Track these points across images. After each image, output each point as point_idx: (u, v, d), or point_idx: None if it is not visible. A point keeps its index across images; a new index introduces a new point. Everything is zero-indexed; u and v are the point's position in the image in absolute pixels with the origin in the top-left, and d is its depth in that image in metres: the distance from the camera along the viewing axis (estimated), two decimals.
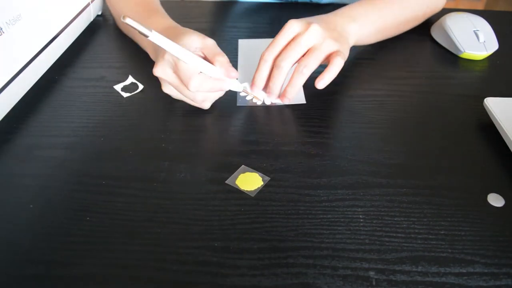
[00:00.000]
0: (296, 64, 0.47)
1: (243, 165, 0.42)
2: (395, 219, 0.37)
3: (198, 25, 0.67)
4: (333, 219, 0.37)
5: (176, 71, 0.44)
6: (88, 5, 0.64)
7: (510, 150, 0.43)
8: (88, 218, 0.36)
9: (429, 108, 0.50)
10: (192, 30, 0.47)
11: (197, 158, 0.43)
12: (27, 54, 0.50)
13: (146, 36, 0.40)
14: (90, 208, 0.37)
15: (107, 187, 0.39)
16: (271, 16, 0.72)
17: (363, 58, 0.58)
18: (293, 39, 0.47)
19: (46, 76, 0.55)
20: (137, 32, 0.39)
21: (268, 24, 0.69)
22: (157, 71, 0.45)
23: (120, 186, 0.39)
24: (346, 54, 0.50)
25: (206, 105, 0.48)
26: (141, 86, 0.53)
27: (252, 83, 0.49)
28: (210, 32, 0.50)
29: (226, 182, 0.40)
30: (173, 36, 0.44)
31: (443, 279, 0.32)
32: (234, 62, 0.58)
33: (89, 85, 0.54)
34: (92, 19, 0.67)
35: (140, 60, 0.58)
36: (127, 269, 0.33)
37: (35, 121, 0.48)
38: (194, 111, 0.49)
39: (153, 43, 0.41)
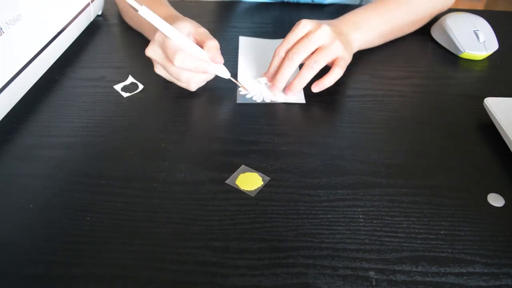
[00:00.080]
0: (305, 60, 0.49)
1: (243, 165, 0.42)
2: (395, 219, 0.37)
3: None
4: (333, 219, 0.37)
5: (163, 47, 0.46)
6: (88, 5, 0.64)
7: (510, 150, 0.43)
8: (88, 218, 0.36)
9: (429, 108, 0.50)
10: (189, 19, 0.50)
11: (197, 158, 0.43)
12: (27, 54, 0.50)
13: (136, 10, 0.44)
14: (90, 208, 0.37)
15: (107, 187, 0.39)
16: (272, 16, 0.72)
17: (363, 58, 0.58)
18: (304, 36, 0.49)
19: (46, 76, 0.55)
20: (140, 18, 0.44)
21: (269, 24, 0.69)
22: (148, 51, 0.48)
23: (120, 186, 0.39)
24: (349, 59, 0.51)
25: (192, 87, 0.50)
26: (141, 86, 0.53)
27: (267, 75, 0.52)
28: (211, 32, 0.50)
29: (226, 182, 0.40)
30: (170, 22, 0.46)
31: (443, 279, 0.32)
32: (234, 61, 0.58)
33: (89, 85, 0.54)
34: (92, 19, 0.67)
35: (140, 60, 0.58)
36: (127, 269, 0.33)
37: (35, 121, 0.48)
38: (194, 111, 0.49)
39: (154, 30, 0.43)
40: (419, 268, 0.33)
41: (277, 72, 0.49)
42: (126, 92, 0.52)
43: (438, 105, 0.51)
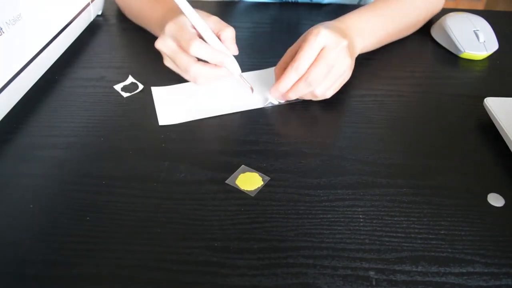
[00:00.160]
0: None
1: (243, 165, 0.42)
2: (395, 219, 0.37)
3: None
4: (333, 219, 0.37)
5: (177, 37, 0.46)
6: (88, 5, 0.64)
7: (510, 150, 0.43)
8: (88, 218, 0.36)
9: (429, 108, 0.50)
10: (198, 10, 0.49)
11: (197, 158, 0.43)
12: (27, 54, 0.50)
13: None
14: (90, 208, 0.37)
15: (107, 187, 0.39)
16: (271, 16, 0.72)
17: (363, 58, 0.58)
18: (322, 58, 0.45)
19: (46, 76, 0.55)
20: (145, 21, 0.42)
21: (268, 24, 0.69)
22: (158, 43, 0.48)
23: (120, 186, 0.39)
24: (352, 68, 0.50)
25: (199, 81, 0.48)
26: (141, 86, 0.53)
27: (277, 86, 0.47)
28: None
29: (226, 182, 0.40)
30: (175, 15, 0.47)
31: (443, 279, 0.32)
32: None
33: (89, 85, 0.54)
34: (92, 19, 0.67)
35: (140, 60, 0.58)
36: (127, 269, 0.33)
37: (35, 121, 0.48)
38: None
39: (160, 22, 0.44)
40: (419, 268, 0.33)
41: (289, 88, 0.47)
42: (126, 92, 0.52)
43: (438, 105, 0.51)
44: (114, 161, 0.42)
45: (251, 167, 0.41)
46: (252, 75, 0.55)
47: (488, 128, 0.46)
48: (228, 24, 0.49)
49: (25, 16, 0.49)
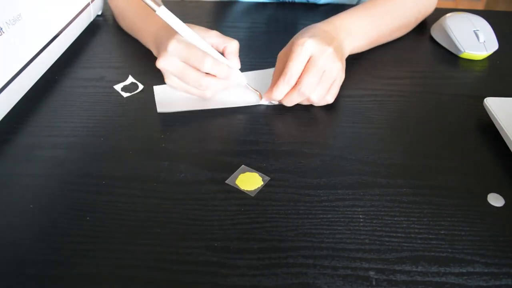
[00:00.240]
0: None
1: (243, 165, 0.42)
2: (395, 219, 0.37)
3: (198, 25, 0.67)
4: (333, 219, 0.37)
5: (185, 54, 0.45)
6: (88, 5, 0.64)
7: (510, 150, 0.43)
8: (88, 218, 0.36)
9: (429, 108, 0.50)
10: (193, 25, 0.49)
11: (197, 158, 0.43)
12: (27, 54, 0.50)
13: (154, 10, 0.43)
14: (90, 208, 0.37)
15: (107, 187, 0.39)
16: (269, 16, 0.72)
17: (362, 58, 0.59)
18: (311, 65, 0.46)
19: (46, 76, 0.55)
20: (138, 29, 0.40)
21: (265, 24, 0.69)
22: (161, 62, 0.46)
23: (120, 186, 0.39)
24: (343, 69, 0.49)
25: (208, 93, 0.49)
26: (141, 86, 0.53)
27: (270, 95, 0.48)
28: None
29: (226, 182, 0.40)
30: (172, 30, 0.46)
31: (443, 279, 0.32)
32: None
33: (89, 85, 0.54)
34: (92, 19, 0.67)
35: (140, 60, 0.58)
36: (127, 269, 0.33)
37: (35, 121, 0.48)
38: (193, 111, 0.49)
39: (154, 37, 0.42)
40: (419, 268, 0.33)
41: (284, 98, 0.48)
42: (126, 92, 0.52)
43: (438, 105, 0.51)
44: (114, 161, 0.42)
45: (251, 167, 0.41)
46: (250, 75, 0.55)
47: (488, 128, 0.46)
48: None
49: (25, 16, 0.49)
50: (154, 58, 0.55)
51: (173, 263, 0.33)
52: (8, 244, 0.34)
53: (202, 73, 0.46)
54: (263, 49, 0.61)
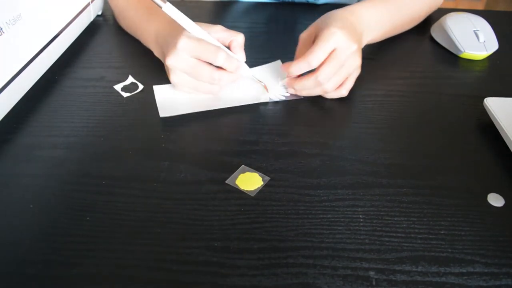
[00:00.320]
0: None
1: (243, 165, 0.42)
2: (395, 219, 0.37)
3: None
4: (333, 219, 0.37)
5: (197, 50, 0.45)
6: (88, 5, 0.64)
7: (510, 150, 0.43)
8: (88, 218, 0.36)
9: (429, 108, 0.50)
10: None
11: (197, 158, 0.43)
12: (27, 54, 0.50)
13: (160, 7, 0.43)
14: (90, 208, 0.37)
15: (107, 187, 0.39)
16: (269, 15, 0.72)
17: (363, 58, 0.58)
18: (336, 58, 0.47)
19: (46, 76, 0.55)
20: (138, 29, 0.41)
21: (265, 23, 0.69)
22: (171, 60, 0.46)
23: (120, 186, 0.39)
24: (360, 66, 0.50)
25: (216, 88, 0.49)
26: (141, 86, 0.53)
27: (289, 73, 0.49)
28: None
29: (226, 182, 0.40)
30: (176, 28, 0.46)
31: (443, 279, 0.32)
32: None
33: (89, 85, 0.54)
34: (92, 19, 0.67)
35: (140, 60, 0.58)
36: (127, 269, 0.33)
37: (35, 121, 0.48)
38: (193, 111, 0.49)
39: (155, 37, 0.42)
40: (419, 268, 0.33)
41: (300, 83, 0.48)
42: (126, 92, 0.52)
43: (438, 105, 0.51)
44: (114, 161, 0.42)
45: (251, 167, 0.41)
46: (254, 70, 0.55)
47: (488, 128, 0.46)
48: (227, 24, 0.50)
49: (25, 16, 0.49)
50: (154, 58, 0.55)
51: (173, 263, 0.33)
52: (8, 244, 0.34)
53: (213, 67, 0.46)
54: (263, 49, 0.61)
